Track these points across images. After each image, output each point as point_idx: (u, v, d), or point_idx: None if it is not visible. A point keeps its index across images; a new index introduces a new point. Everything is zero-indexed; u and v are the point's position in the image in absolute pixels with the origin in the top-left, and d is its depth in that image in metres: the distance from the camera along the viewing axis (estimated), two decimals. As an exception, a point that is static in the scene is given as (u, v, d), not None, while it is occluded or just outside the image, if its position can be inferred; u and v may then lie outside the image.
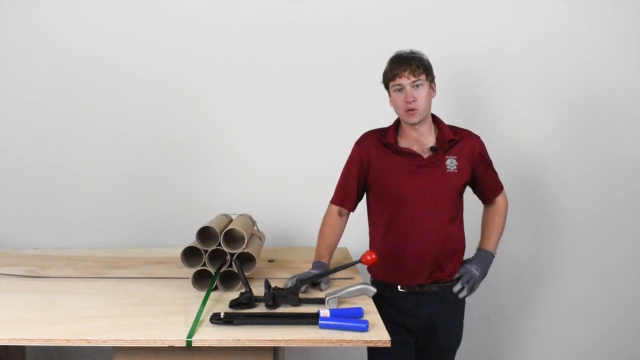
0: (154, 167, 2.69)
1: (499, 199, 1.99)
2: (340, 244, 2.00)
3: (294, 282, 1.65)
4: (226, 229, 1.79)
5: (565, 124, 2.65)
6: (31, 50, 2.65)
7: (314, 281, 1.73)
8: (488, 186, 1.96)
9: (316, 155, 2.62)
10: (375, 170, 1.89)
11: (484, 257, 1.92)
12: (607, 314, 2.72)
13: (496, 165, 1.99)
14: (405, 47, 1.86)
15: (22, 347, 2.31)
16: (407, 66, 1.77)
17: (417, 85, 1.77)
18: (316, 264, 1.84)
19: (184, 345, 1.37)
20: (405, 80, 1.77)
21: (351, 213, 2.00)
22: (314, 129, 2.63)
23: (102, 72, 2.65)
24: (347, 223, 2.00)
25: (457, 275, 1.87)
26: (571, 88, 2.62)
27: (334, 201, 1.99)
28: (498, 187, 1.99)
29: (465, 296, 1.88)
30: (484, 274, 1.91)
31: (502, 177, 1.97)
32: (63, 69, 2.65)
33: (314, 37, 2.61)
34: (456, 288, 1.86)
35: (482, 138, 1.93)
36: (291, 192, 2.65)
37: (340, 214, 1.97)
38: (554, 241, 2.71)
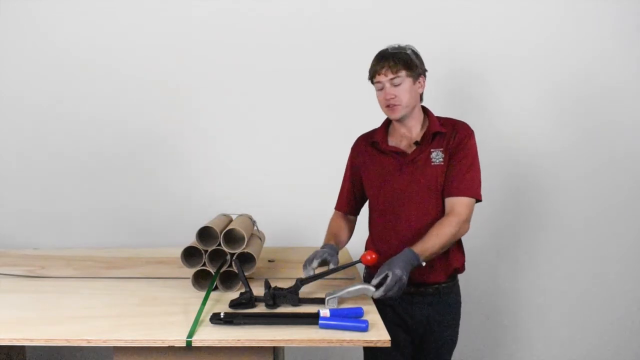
0: (154, 168, 2.70)
1: (457, 210, 1.71)
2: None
3: (311, 269, 1.67)
4: (226, 229, 1.79)
5: (564, 123, 2.65)
6: (30, 50, 2.66)
7: (315, 280, 1.71)
8: (450, 179, 1.75)
9: (316, 155, 2.62)
10: (364, 172, 1.91)
11: (410, 259, 1.60)
12: (607, 314, 2.73)
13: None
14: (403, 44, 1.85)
15: (22, 347, 2.31)
16: (384, 63, 1.75)
17: (396, 83, 1.75)
18: (325, 246, 1.82)
19: (184, 345, 1.37)
20: (384, 78, 1.75)
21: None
22: (314, 129, 2.64)
23: (102, 73, 2.66)
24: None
25: (380, 277, 1.56)
26: (571, 88, 2.63)
27: (335, 206, 2.04)
28: (460, 188, 1.73)
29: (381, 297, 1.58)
30: (407, 277, 1.57)
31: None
32: (63, 69, 2.66)
33: (314, 38, 2.62)
34: (377, 294, 1.56)
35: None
36: (291, 192, 2.66)
37: (342, 216, 2.01)
38: (553, 241, 2.71)
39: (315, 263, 1.69)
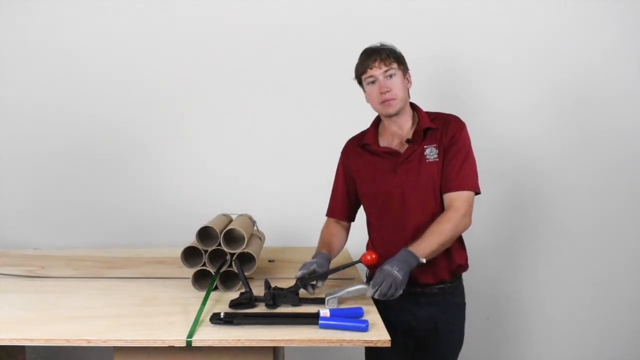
0: (154, 168, 2.70)
1: (455, 205, 1.69)
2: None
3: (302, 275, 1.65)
4: (226, 229, 1.79)
5: (565, 124, 2.65)
6: (30, 50, 2.66)
7: (315, 280, 1.69)
8: (447, 174, 1.72)
9: (317, 155, 2.61)
10: (358, 175, 1.88)
11: (406, 258, 1.58)
12: (607, 315, 2.73)
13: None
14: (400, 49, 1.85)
15: (22, 347, 2.31)
16: (377, 56, 1.72)
17: (390, 75, 1.72)
18: (317, 254, 1.80)
19: (184, 345, 1.37)
20: (377, 71, 1.72)
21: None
22: (315, 129, 2.64)
23: (102, 73, 2.66)
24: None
25: (375, 280, 1.55)
26: (571, 88, 2.63)
27: (326, 213, 1.99)
28: (457, 183, 1.71)
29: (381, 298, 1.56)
30: (405, 278, 1.54)
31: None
32: (63, 69, 2.66)
33: (314, 39, 2.63)
34: (370, 292, 1.55)
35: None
36: (291, 192, 2.66)
37: (335, 223, 1.96)
38: (554, 243, 2.71)
39: (299, 273, 1.66)
